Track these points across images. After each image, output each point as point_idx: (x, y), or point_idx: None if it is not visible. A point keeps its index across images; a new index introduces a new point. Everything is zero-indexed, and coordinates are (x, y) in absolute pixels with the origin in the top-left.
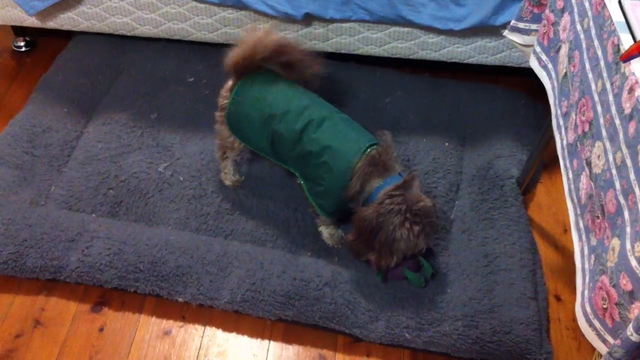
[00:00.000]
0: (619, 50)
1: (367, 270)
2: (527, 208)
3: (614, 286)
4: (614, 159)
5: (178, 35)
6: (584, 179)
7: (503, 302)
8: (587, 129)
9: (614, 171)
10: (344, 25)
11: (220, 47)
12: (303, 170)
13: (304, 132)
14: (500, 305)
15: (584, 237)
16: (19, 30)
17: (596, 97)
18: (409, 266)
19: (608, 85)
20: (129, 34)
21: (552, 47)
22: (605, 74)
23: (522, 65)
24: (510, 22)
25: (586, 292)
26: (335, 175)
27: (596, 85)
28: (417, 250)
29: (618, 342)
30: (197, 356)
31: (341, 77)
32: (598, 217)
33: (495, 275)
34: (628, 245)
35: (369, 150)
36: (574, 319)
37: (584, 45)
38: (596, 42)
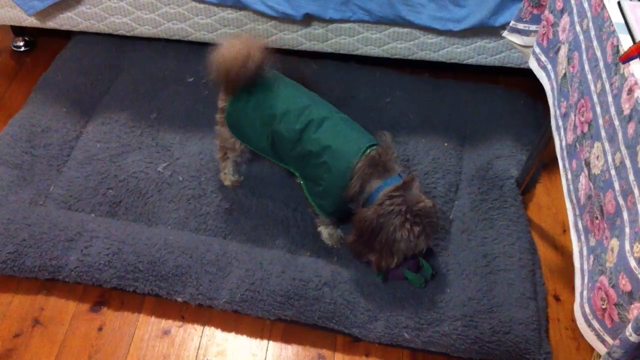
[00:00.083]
0: (618, 51)
1: (367, 270)
2: (526, 208)
3: (613, 287)
4: (613, 159)
5: (177, 35)
6: (583, 179)
7: (502, 302)
8: (586, 129)
9: (613, 172)
10: (344, 25)
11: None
12: (303, 170)
13: (304, 132)
14: (499, 306)
15: (583, 237)
16: (19, 30)
17: (595, 98)
18: (409, 266)
19: (607, 86)
20: (128, 34)
21: (551, 48)
22: (604, 75)
23: (522, 66)
24: (509, 23)
25: (585, 292)
26: (335, 175)
27: (595, 86)
28: (417, 251)
29: (617, 342)
30: (196, 356)
31: (341, 78)
32: (597, 218)
33: (495, 275)
34: (627, 246)
35: (368, 150)
36: (573, 319)
37: (583, 46)
38: (595, 43)
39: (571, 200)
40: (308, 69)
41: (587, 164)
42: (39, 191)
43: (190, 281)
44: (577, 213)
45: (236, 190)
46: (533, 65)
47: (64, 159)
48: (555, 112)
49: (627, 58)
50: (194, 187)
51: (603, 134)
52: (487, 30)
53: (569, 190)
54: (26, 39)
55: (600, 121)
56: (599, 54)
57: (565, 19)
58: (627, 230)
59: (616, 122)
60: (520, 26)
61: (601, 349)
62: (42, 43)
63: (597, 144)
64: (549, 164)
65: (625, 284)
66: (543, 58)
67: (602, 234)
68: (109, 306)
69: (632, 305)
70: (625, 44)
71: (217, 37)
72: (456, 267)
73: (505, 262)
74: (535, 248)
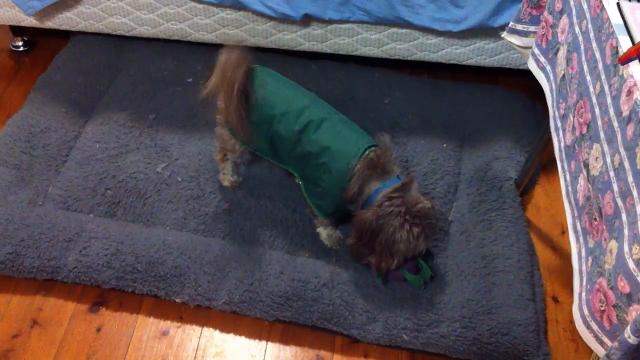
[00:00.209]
0: (617, 52)
1: (365, 272)
2: (525, 209)
3: (611, 288)
4: (612, 161)
5: (176, 35)
6: (581, 181)
7: (501, 303)
8: (585, 131)
9: (611, 173)
10: (343, 26)
11: (218, 48)
12: (302, 170)
13: (303, 133)
14: (498, 307)
15: (581, 239)
16: (17, 30)
17: (594, 99)
18: (408, 268)
19: (606, 88)
20: (127, 34)
21: (550, 49)
22: (603, 76)
23: (521, 67)
24: (508, 24)
25: (584, 294)
26: (334, 176)
27: (594, 87)
28: (416, 252)
29: (616, 344)
30: (195, 357)
31: (340, 78)
32: (596, 219)
33: (493, 276)
34: (626, 248)
35: (367, 152)
36: (572, 321)
37: (582, 48)
38: (594, 45)
39: (570, 202)
40: (307, 70)
41: (586, 166)
42: (37, 191)
43: (189, 282)
44: (576, 214)
45: (235, 191)
46: (532, 66)
47: (62, 159)
48: (554, 113)
49: (626, 59)
50: (193, 187)
51: (602, 135)
52: (486, 31)
53: (567, 191)
54: (25, 38)
55: (599, 122)
56: (598, 55)
57: (564, 20)
58: (626, 231)
59: (615, 124)
60: (519, 27)
61: (600, 350)
62: (41, 43)
63: (596, 146)
64: (548, 165)
65: (623, 286)
66: (542, 59)
67: (600, 236)
68: (107, 307)
69: (631, 307)
70: (625, 45)
71: (216, 37)
72: (455, 268)
73: (503, 263)
74: (534, 249)
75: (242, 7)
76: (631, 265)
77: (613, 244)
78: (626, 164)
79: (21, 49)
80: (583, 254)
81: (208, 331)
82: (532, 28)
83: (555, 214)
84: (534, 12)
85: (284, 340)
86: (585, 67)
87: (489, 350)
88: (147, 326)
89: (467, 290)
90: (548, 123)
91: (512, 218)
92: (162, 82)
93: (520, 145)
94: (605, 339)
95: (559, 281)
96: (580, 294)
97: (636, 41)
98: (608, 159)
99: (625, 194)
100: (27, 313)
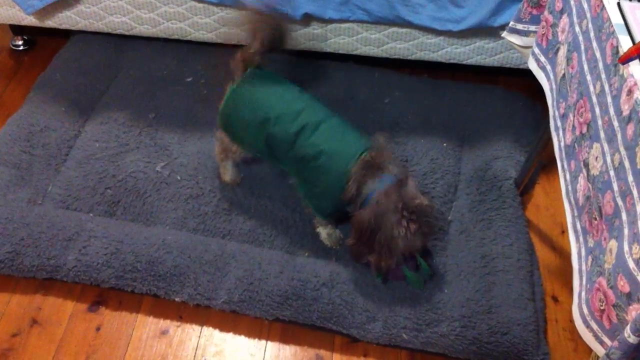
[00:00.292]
0: (617, 52)
1: (365, 271)
2: (524, 209)
3: (611, 288)
4: (612, 160)
5: (176, 34)
6: (581, 180)
7: (500, 303)
8: (585, 130)
9: (612, 173)
10: (343, 25)
11: (218, 47)
12: (300, 172)
13: (299, 135)
14: (497, 306)
15: (581, 238)
16: (17, 29)
17: (594, 99)
18: (408, 266)
19: (607, 87)
20: (127, 33)
21: (550, 49)
22: (603, 76)
23: (521, 67)
24: (508, 23)
25: (583, 293)
26: (332, 178)
27: (594, 87)
28: (415, 248)
29: (615, 343)
30: (194, 356)
31: (340, 78)
32: (596, 219)
33: (493, 276)
34: (626, 247)
35: (364, 154)
36: (571, 320)
37: (582, 47)
38: (595, 44)
39: (570, 201)
40: (307, 69)
41: (586, 165)
42: (37, 190)
43: (189, 281)
44: (576, 214)
45: (235, 190)
46: (532, 65)
47: (62, 158)
48: (554, 112)
49: (627, 59)
50: (192, 186)
51: (602, 134)
52: (486, 30)
53: (567, 191)
54: (25, 38)
55: (599, 122)
56: (598, 54)
57: (564, 20)
58: (626, 231)
59: (615, 123)
60: (520, 27)
61: (599, 350)
62: (40, 42)
63: (596, 145)
64: (548, 164)
65: (623, 285)
66: (542, 59)
67: (600, 235)
68: (107, 306)
69: (631, 307)
70: (625, 44)
71: (216, 36)
72: (454, 267)
73: (503, 262)
74: (534, 249)
75: (242, 7)
76: (631, 264)
77: (613, 244)
78: (626, 164)
79: (21, 48)
80: (583, 253)
81: (207, 330)
82: (532, 27)
83: (555, 213)
84: (534, 12)
85: (284, 339)
86: (586, 67)
87: (489, 349)
88: (147, 325)
89: (466, 290)
90: (548, 122)
91: (512, 217)
92: (162, 82)
93: (520, 145)
94: (605, 339)
95: (558, 281)
96: (580, 294)
97: (636, 41)
98: (608, 159)
99: (625, 194)
100: (27, 312)
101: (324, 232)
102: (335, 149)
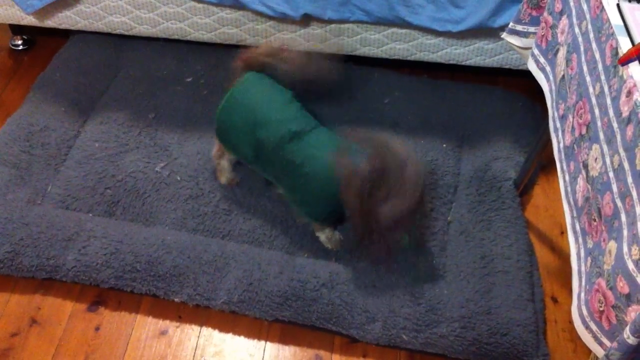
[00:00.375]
0: (617, 53)
1: (365, 272)
2: (524, 210)
3: (610, 289)
4: (611, 162)
5: (176, 34)
6: (580, 181)
7: (500, 303)
8: (584, 131)
9: (611, 174)
10: (342, 26)
11: (218, 47)
12: (289, 181)
13: (287, 142)
14: (497, 307)
15: (580, 239)
16: (17, 29)
17: (594, 100)
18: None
19: (606, 88)
20: (127, 33)
21: (550, 50)
22: (603, 77)
23: (521, 67)
24: (508, 24)
25: (582, 294)
26: (323, 182)
27: (594, 88)
28: (389, 216)
29: (615, 344)
30: (194, 356)
31: (339, 78)
32: (595, 220)
33: (492, 277)
34: (625, 248)
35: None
36: (571, 321)
37: (582, 48)
38: (594, 45)
39: (569, 202)
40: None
41: (585, 166)
42: (36, 190)
43: (188, 281)
44: (575, 215)
45: (234, 190)
46: (532, 66)
47: (62, 158)
48: (554, 113)
49: (626, 60)
50: (192, 187)
51: (601, 136)
52: (486, 31)
53: (566, 192)
54: (24, 37)
55: (599, 123)
56: (597, 56)
57: (564, 21)
58: (625, 232)
59: (615, 125)
60: (519, 28)
61: (599, 351)
62: (40, 42)
63: (595, 146)
64: (547, 165)
65: (623, 286)
66: (542, 60)
67: (600, 236)
68: (106, 306)
69: (630, 308)
70: (624, 46)
71: (216, 36)
72: (454, 268)
73: (503, 263)
74: (533, 250)
75: (242, 7)
76: (630, 265)
77: (612, 245)
78: (626, 165)
79: (20, 47)
80: (582, 254)
81: (207, 331)
82: (531, 29)
83: (554, 214)
84: (534, 13)
85: (283, 340)
86: (585, 68)
87: (488, 350)
88: (146, 325)
89: (466, 291)
90: (547, 124)
91: (512, 218)
92: (161, 82)
93: (520, 146)
94: (604, 340)
95: (558, 281)
96: (579, 295)
97: (636, 42)
98: (607, 160)
99: (625, 195)
100: (26, 312)
101: (323, 235)
102: (323, 155)
